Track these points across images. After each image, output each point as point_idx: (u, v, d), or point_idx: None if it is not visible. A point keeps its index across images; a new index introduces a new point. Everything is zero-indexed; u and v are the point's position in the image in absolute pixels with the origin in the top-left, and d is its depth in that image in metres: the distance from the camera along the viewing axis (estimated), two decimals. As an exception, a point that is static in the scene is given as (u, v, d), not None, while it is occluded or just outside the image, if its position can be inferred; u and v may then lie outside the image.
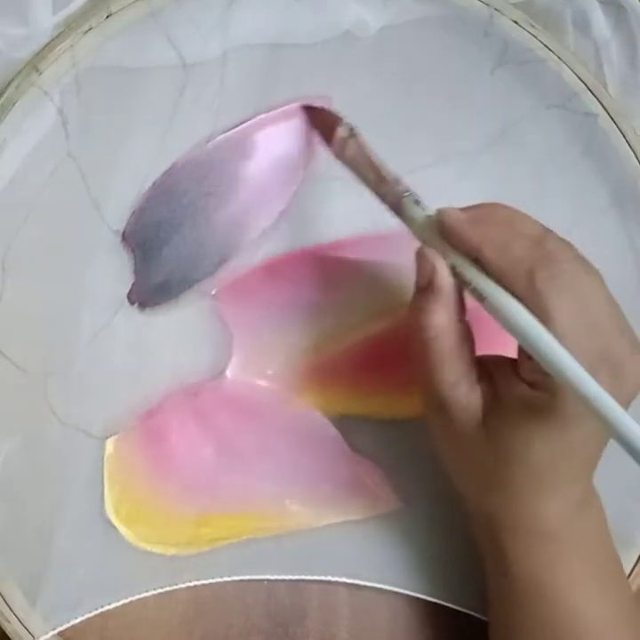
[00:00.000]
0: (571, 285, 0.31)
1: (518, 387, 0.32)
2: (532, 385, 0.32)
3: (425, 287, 0.33)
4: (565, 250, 0.32)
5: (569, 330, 0.30)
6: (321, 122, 0.38)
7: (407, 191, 0.35)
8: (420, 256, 0.33)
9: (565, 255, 0.32)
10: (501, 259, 0.31)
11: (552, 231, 0.33)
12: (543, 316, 0.30)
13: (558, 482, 0.33)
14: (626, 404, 0.32)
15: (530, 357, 0.31)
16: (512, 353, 0.33)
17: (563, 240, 0.33)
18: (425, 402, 0.35)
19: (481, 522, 0.36)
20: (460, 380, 0.33)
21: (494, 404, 0.33)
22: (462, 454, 0.35)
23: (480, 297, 0.32)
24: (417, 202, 0.34)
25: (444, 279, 0.33)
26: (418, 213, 0.34)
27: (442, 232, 0.33)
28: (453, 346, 0.33)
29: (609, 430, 0.29)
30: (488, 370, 0.34)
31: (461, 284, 0.33)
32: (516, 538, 0.34)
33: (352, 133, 0.36)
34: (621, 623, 0.35)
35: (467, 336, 0.34)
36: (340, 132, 0.36)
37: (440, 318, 0.33)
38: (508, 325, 0.31)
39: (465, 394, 0.33)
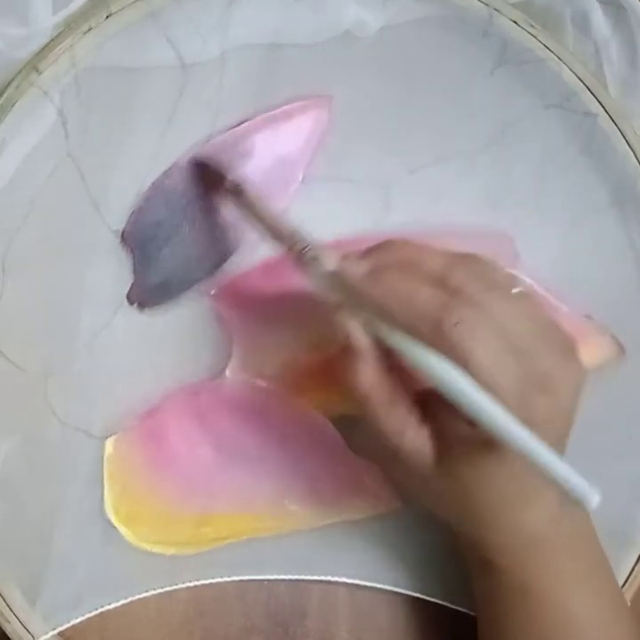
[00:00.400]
0: (482, 319, 0.30)
1: (459, 426, 0.32)
2: (471, 423, 0.31)
3: (345, 346, 0.32)
4: (472, 280, 0.31)
5: (490, 366, 0.30)
6: (209, 177, 0.37)
7: (305, 246, 0.33)
8: (332, 319, 0.32)
9: (472, 286, 0.31)
10: (407, 313, 0.30)
11: (457, 258, 0.32)
12: (461, 362, 0.30)
13: (530, 494, 0.33)
14: (570, 413, 0.32)
15: None
16: None
17: (469, 265, 0.32)
18: (381, 447, 0.34)
19: (462, 540, 0.36)
20: (404, 427, 0.32)
21: (443, 442, 0.32)
22: (428, 492, 0.35)
23: (399, 355, 0.31)
24: (316, 258, 0.33)
25: (359, 340, 0.32)
26: (319, 270, 0.33)
27: (346, 290, 0.32)
28: (386, 399, 0.32)
29: (534, 467, 0.28)
30: (431, 407, 0.33)
31: (376, 340, 0.32)
32: (501, 549, 0.34)
33: (238, 190, 0.35)
34: (610, 621, 0.35)
35: (399, 384, 0.33)
36: (228, 187, 0.35)
37: (365, 377, 0.32)
38: (429, 379, 0.30)
39: (412, 439, 0.32)
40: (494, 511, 0.33)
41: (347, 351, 0.32)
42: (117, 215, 0.37)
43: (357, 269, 0.32)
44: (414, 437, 0.32)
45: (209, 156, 0.37)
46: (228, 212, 0.38)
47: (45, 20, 0.35)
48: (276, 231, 0.34)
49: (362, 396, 0.32)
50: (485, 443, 0.31)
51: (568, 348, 0.32)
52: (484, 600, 0.36)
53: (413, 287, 0.31)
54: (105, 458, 0.38)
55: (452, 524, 0.36)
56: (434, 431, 0.33)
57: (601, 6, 0.39)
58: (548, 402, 0.30)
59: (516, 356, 0.30)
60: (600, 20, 0.39)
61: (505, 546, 0.34)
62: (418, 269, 0.31)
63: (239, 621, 0.39)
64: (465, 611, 0.40)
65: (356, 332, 0.32)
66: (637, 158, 0.40)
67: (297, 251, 0.33)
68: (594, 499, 0.27)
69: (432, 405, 0.33)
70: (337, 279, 0.32)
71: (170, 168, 0.37)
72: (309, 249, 0.33)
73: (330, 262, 0.33)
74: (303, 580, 0.39)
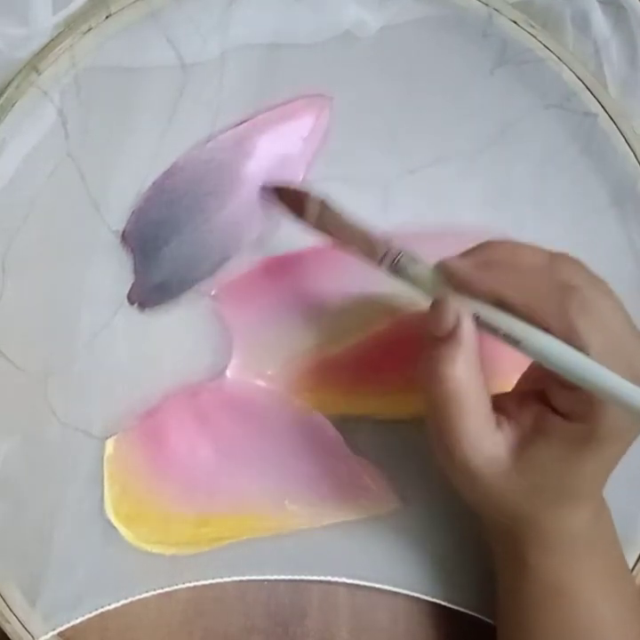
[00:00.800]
0: (595, 310, 0.31)
1: (552, 420, 0.32)
2: (566, 416, 0.32)
3: (445, 337, 0.32)
4: (578, 272, 0.32)
5: (603, 355, 0.30)
6: (289, 200, 0.36)
7: (401, 251, 0.33)
8: (440, 305, 0.32)
9: (581, 278, 0.31)
10: (525, 297, 0.31)
11: (558, 254, 0.32)
12: (580, 346, 0.30)
13: (583, 497, 0.33)
14: None
15: (564, 388, 0.31)
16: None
17: (572, 261, 0.32)
18: (440, 450, 0.34)
19: (499, 535, 0.36)
20: (482, 431, 0.32)
21: (521, 442, 0.33)
22: (485, 494, 0.34)
23: (514, 341, 0.31)
24: (414, 259, 0.33)
25: (468, 329, 0.32)
26: (420, 270, 0.33)
27: (452, 284, 0.32)
28: (474, 397, 0.32)
29: None
30: (506, 410, 0.33)
31: (488, 331, 0.32)
32: (537, 546, 0.34)
33: (324, 205, 0.35)
34: (632, 621, 0.35)
35: (485, 386, 0.33)
36: (311, 207, 0.35)
37: (462, 370, 0.32)
38: (550, 362, 0.31)
39: (488, 446, 0.32)
40: (547, 507, 0.33)
41: (448, 339, 0.32)
42: (117, 215, 0.37)
43: (463, 263, 0.32)
44: (490, 443, 0.32)
45: (283, 181, 0.37)
46: (230, 210, 0.38)
47: (45, 20, 0.35)
48: (365, 240, 0.34)
49: (452, 389, 0.32)
50: (578, 437, 0.31)
51: None
52: (512, 602, 0.36)
53: (524, 275, 0.31)
54: (105, 458, 0.38)
55: (490, 518, 0.35)
56: (509, 434, 0.33)
57: (601, 6, 0.39)
58: None
59: (616, 353, 0.31)
60: (600, 20, 0.39)
61: (543, 543, 0.34)
62: (524, 262, 0.32)
63: (239, 621, 0.39)
64: (465, 611, 0.40)
65: (467, 319, 0.32)
66: (637, 158, 0.40)
67: (392, 255, 0.33)
68: None
69: (509, 408, 0.33)
70: (441, 277, 0.32)
71: (170, 168, 0.37)
72: (405, 253, 0.33)
73: (431, 262, 0.33)
74: (303, 580, 0.39)
